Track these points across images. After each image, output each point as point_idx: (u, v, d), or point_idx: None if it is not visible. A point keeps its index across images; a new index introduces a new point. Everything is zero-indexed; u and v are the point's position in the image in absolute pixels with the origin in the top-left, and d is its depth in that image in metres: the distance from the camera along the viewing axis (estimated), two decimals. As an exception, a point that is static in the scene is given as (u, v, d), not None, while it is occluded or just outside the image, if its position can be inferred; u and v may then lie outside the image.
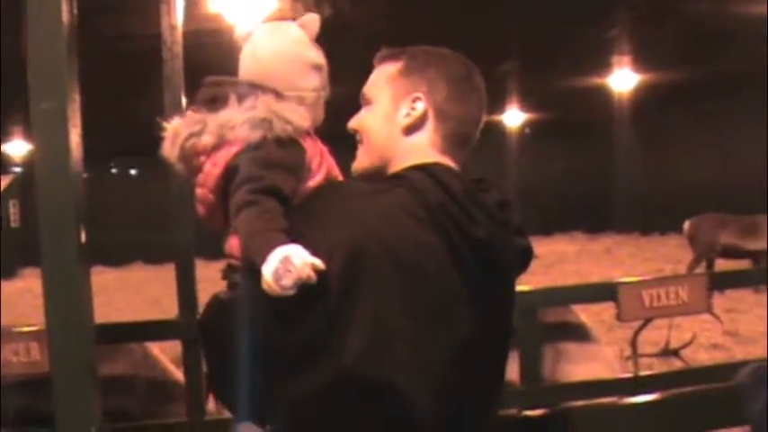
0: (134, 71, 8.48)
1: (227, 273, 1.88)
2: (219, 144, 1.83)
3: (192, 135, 1.86)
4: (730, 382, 1.99)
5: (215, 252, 1.92)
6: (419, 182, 1.69)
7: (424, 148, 1.82)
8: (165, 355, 4.56)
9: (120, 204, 23.14)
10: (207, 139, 1.84)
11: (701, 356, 8.34)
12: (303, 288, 1.56)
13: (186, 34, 3.49)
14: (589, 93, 18.26)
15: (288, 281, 1.55)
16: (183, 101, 3.36)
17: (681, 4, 11.04)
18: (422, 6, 10.21)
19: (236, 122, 1.81)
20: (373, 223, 1.65)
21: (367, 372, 1.59)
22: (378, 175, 1.86)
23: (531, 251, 1.82)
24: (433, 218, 1.66)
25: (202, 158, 1.87)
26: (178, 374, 4.25)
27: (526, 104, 20.71)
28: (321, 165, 1.88)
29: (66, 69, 2.37)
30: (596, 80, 17.02)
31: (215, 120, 1.84)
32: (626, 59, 14.94)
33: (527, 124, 24.53)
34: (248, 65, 1.94)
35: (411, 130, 1.83)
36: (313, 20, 1.96)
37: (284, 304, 1.58)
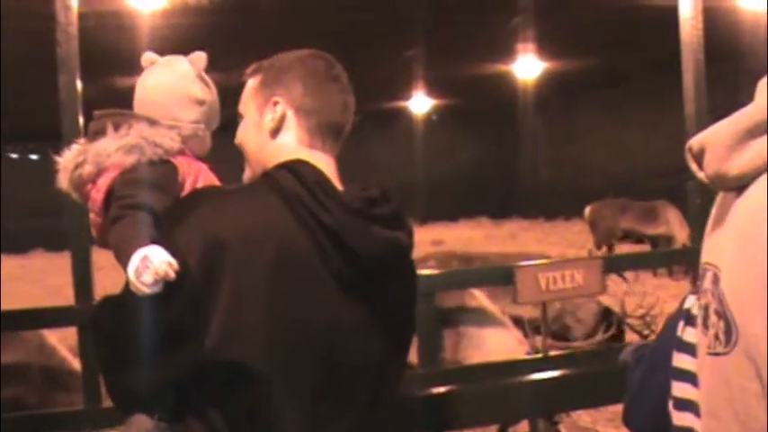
0: (32, 53, 8.27)
1: None
2: (100, 171, 2.02)
3: (77, 166, 2.05)
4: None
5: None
6: (279, 177, 1.82)
7: (292, 147, 1.93)
8: (63, 344, 4.48)
9: (20, 190, 22.52)
10: (88, 168, 2.03)
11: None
12: (166, 283, 1.71)
13: (83, 15, 3.42)
14: (494, 79, 18.49)
15: (147, 277, 1.70)
16: (79, 84, 3.29)
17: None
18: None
19: (111, 150, 2.01)
20: (231, 218, 1.79)
21: (227, 354, 1.73)
22: None
23: (400, 242, 1.89)
24: (290, 208, 1.78)
25: (89, 186, 2.05)
26: (76, 363, 4.19)
27: (433, 90, 20.86)
28: (196, 182, 2.06)
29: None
30: (501, 67, 17.24)
31: (93, 149, 2.04)
32: (530, 47, 15.16)
33: (434, 110, 24.70)
34: (138, 92, 2.16)
35: (276, 131, 1.95)
36: (200, 57, 2.17)
37: (151, 298, 1.73)
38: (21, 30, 9.32)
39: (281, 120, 1.93)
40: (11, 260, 19.01)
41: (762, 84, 1.28)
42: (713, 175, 1.29)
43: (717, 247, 1.29)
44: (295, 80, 1.94)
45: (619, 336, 5.76)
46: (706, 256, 1.33)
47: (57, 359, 4.30)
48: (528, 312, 4.84)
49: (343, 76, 1.99)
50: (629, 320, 5.81)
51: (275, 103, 1.94)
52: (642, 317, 5.88)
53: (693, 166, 1.35)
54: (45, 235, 19.26)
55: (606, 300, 5.73)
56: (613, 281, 5.32)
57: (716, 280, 1.27)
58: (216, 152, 2.24)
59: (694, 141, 1.33)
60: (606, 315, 5.80)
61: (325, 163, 1.91)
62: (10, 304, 3.44)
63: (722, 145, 1.26)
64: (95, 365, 3.13)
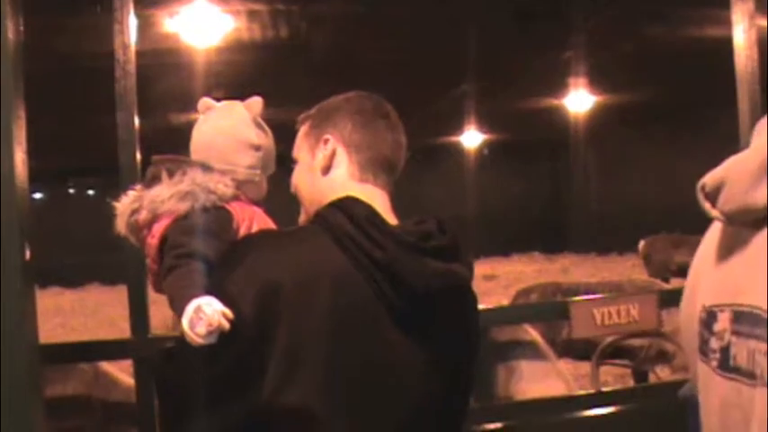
0: (91, 90, 8.44)
1: None
2: (155, 218, 2.04)
3: (133, 212, 2.07)
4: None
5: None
6: (329, 216, 1.82)
7: (343, 180, 1.93)
8: (126, 372, 4.51)
9: (76, 224, 22.90)
10: (144, 215, 2.05)
11: (664, 373, 8.40)
12: (222, 333, 1.69)
13: (141, 53, 3.48)
14: (546, 114, 18.46)
15: (201, 328, 1.68)
16: (137, 120, 3.34)
17: (635, 28, 11.21)
18: (380, 30, 10.27)
19: (165, 197, 2.03)
20: (284, 261, 1.77)
21: (286, 398, 1.70)
22: None
23: (455, 274, 1.85)
24: (342, 246, 1.77)
25: (144, 232, 2.07)
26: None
27: (484, 125, 20.86)
28: (250, 227, 2.06)
29: (10, 87, 2.36)
30: (553, 101, 17.21)
31: (148, 196, 2.06)
32: (582, 81, 15.12)
33: (485, 145, 24.68)
34: (194, 137, 2.17)
35: (328, 168, 1.95)
36: (256, 102, 2.18)
37: (207, 348, 1.71)
38: (79, 67, 9.53)
39: (332, 156, 1.94)
40: (67, 293, 19.33)
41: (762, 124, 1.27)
42: (736, 209, 1.27)
43: (736, 286, 1.26)
44: (344, 118, 1.96)
45: None
46: (716, 297, 1.30)
47: (119, 390, 4.34)
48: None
49: (392, 115, 1.99)
50: None
51: (326, 141, 1.95)
52: None
53: (706, 205, 1.32)
54: (100, 269, 19.55)
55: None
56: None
57: (739, 319, 1.25)
58: (271, 194, 2.25)
59: (709, 178, 1.31)
60: None
61: (377, 197, 1.90)
62: (67, 336, 3.49)
63: (748, 177, 1.24)
64: (150, 396, 3.17)
